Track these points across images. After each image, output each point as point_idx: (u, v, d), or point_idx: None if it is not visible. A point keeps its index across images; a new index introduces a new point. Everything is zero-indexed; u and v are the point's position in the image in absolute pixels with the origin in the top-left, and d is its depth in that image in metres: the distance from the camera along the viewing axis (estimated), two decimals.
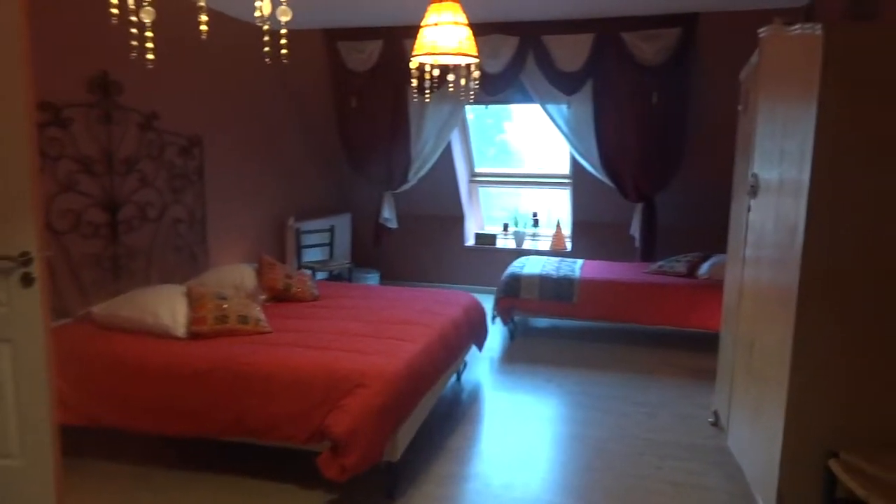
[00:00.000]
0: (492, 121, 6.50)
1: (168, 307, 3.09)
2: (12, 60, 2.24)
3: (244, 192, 5.08)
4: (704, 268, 4.77)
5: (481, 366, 4.37)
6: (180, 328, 3.01)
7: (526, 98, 5.44)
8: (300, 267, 5.50)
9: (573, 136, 5.35)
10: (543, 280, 4.81)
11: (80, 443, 2.86)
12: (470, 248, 6.62)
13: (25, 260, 2.30)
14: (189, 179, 4.35)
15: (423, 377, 2.82)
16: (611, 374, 4.21)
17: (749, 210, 2.71)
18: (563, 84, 5.01)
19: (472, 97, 3.40)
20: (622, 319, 4.73)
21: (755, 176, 2.62)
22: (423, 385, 2.84)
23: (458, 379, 4.01)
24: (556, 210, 6.68)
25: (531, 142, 6.69)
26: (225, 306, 3.15)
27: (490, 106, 5.74)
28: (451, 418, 3.48)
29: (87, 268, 3.53)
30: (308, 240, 5.62)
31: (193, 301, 3.15)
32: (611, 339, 4.95)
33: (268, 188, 5.45)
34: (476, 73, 3.04)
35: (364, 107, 5.52)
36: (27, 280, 2.32)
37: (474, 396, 3.90)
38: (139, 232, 3.91)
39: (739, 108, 3.21)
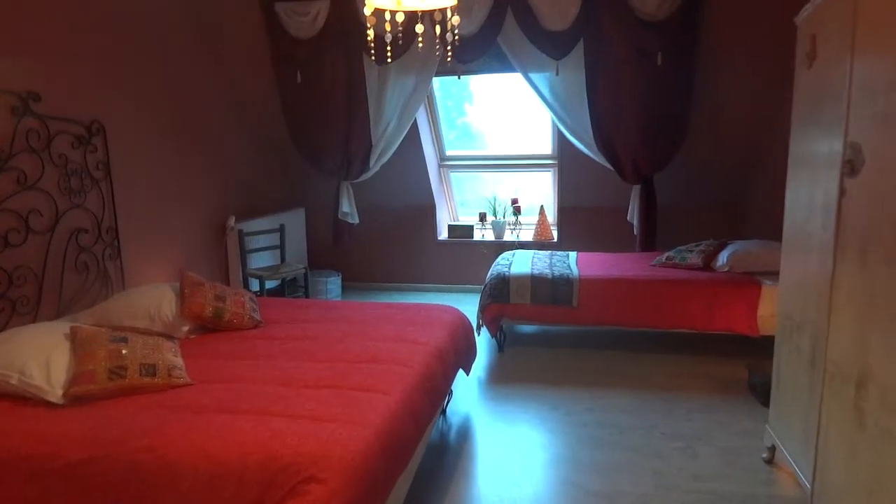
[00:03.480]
0: (451, 102, 5.68)
1: (40, 360, 2.21)
2: None
3: (168, 190, 4.15)
4: (723, 258, 4.06)
5: (468, 390, 3.59)
6: (57, 390, 2.14)
7: (504, 66, 4.63)
8: (246, 276, 4.62)
9: (561, 110, 4.57)
10: (536, 281, 4.04)
11: None
12: (443, 242, 5.82)
13: None
14: (91, 177, 3.42)
15: (401, 448, 2.02)
16: (626, 393, 3.48)
17: (843, 193, 1.96)
18: (548, 46, 4.21)
19: (449, 56, 2.56)
20: (632, 324, 4.00)
21: (855, 147, 1.88)
22: (402, 459, 2.04)
23: (444, 413, 3.23)
24: (537, 196, 5.92)
25: (497, 123, 5.91)
26: (124, 352, 2.29)
27: (463, 77, 4.90)
28: (438, 476, 2.69)
29: None
30: (254, 243, 4.73)
31: (78, 347, 2.27)
32: (616, 346, 4.22)
33: (199, 184, 4.52)
34: (456, 20, 2.21)
35: (312, 81, 4.62)
36: None
37: (464, 436, 3.12)
38: (20, 249, 2.99)
39: (796, 61, 2.46)
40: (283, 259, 4.91)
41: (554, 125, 5.10)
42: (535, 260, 4.46)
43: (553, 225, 5.70)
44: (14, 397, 2.15)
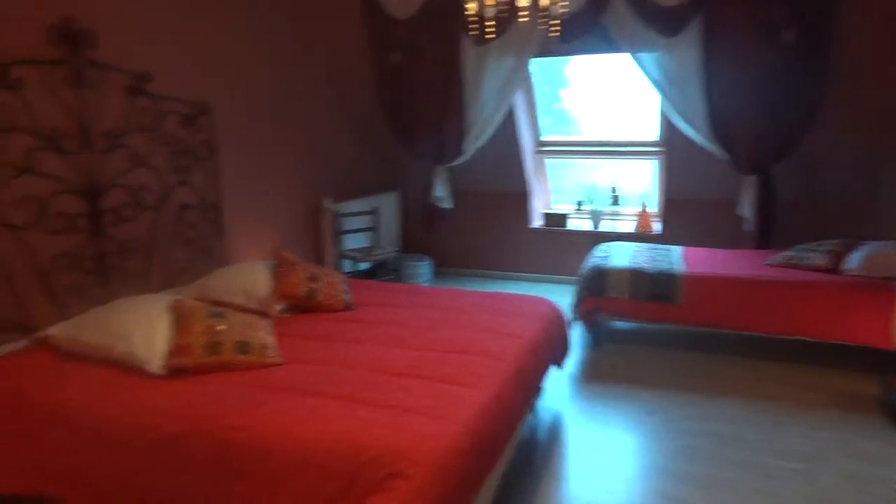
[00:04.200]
0: (547, 87, 5.44)
1: (144, 330, 2.27)
2: None
3: (269, 169, 4.24)
4: (854, 260, 3.63)
5: (560, 386, 3.43)
6: (157, 361, 2.20)
7: (609, 46, 4.36)
8: (339, 257, 4.66)
9: (672, 92, 4.25)
10: (636, 275, 3.79)
11: None
12: (537, 230, 5.63)
13: None
14: (197, 156, 3.53)
15: (491, 447, 1.91)
16: (733, 402, 3.20)
17: None
18: (661, 23, 3.91)
19: (555, 31, 2.38)
20: (741, 327, 3.67)
21: None
22: (492, 458, 1.93)
23: (533, 409, 3.09)
24: (638, 185, 5.59)
25: (594, 108, 5.61)
26: (220, 328, 2.32)
27: (560, 61, 4.67)
28: (527, 475, 2.57)
29: (60, 271, 2.76)
30: (348, 224, 4.77)
31: (178, 320, 2.33)
32: (723, 349, 3.90)
33: (296, 165, 4.59)
34: None
35: (408, 62, 4.56)
36: None
37: (554, 434, 2.97)
38: (133, 224, 3.12)
39: None
40: (376, 241, 4.92)
41: (661, 110, 4.77)
42: (636, 253, 4.20)
43: (655, 216, 5.36)
44: (118, 366, 2.23)
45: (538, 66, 5.06)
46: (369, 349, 2.42)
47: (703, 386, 3.39)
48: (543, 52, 4.54)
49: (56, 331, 2.36)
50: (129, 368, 2.21)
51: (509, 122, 4.99)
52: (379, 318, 2.83)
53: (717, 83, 4.04)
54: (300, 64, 4.56)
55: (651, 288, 3.74)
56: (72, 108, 2.78)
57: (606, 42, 4.32)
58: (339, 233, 4.68)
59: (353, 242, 4.85)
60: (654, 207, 5.39)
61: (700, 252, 4.33)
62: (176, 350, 2.20)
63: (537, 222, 5.69)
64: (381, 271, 5.13)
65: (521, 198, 5.59)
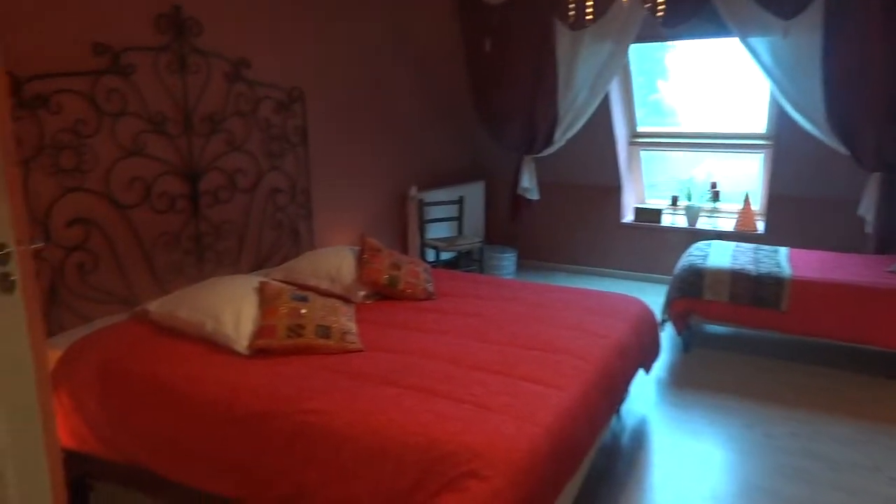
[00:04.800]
0: (643, 78, 5.15)
1: (233, 310, 2.34)
2: None
3: (357, 156, 4.29)
4: None
5: (646, 391, 3.25)
6: (243, 341, 2.25)
7: (717, 30, 4.06)
8: (423, 245, 4.66)
9: (786, 80, 3.90)
10: (737, 277, 3.52)
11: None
12: (628, 225, 5.39)
13: (2, 256, 1.61)
14: (289, 141, 3.61)
15: (573, 452, 1.81)
16: (844, 422, 2.90)
17: None
18: (778, 4, 3.59)
19: (660, 12, 2.21)
20: (856, 339, 3.33)
21: None
22: (573, 464, 1.83)
23: (618, 413, 2.94)
24: (740, 180, 5.21)
25: (694, 99, 5.27)
26: (303, 311, 2.34)
27: (659, 49, 4.39)
28: (608, 482, 2.44)
29: (161, 249, 2.91)
30: (433, 213, 4.75)
31: (264, 302, 2.38)
32: (833, 363, 3.56)
33: (385, 152, 4.62)
34: None
35: (500, 50, 4.45)
36: (6, 284, 1.63)
37: (639, 441, 2.82)
38: (228, 205, 3.24)
39: None
40: (460, 231, 4.88)
41: (772, 100, 4.41)
42: (737, 253, 3.91)
43: (759, 214, 4.99)
44: (208, 343, 2.30)
45: (635, 55, 4.82)
46: (448, 341, 2.37)
47: (811, 402, 3.10)
48: (643, 38, 4.30)
49: (154, 306, 2.47)
50: (218, 345, 2.27)
51: (603, 112, 4.79)
52: (460, 310, 2.77)
53: (840, 70, 3.67)
54: (391, 51, 4.57)
55: (754, 291, 3.46)
56: (176, 94, 2.91)
57: (714, 26, 4.02)
58: (424, 221, 4.67)
59: (437, 231, 4.83)
60: (757, 205, 5.01)
61: (809, 255, 3.98)
62: (260, 331, 2.25)
63: (629, 217, 5.45)
64: (465, 262, 5.09)
65: (612, 191, 5.37)
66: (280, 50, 3.51)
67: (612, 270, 5.46)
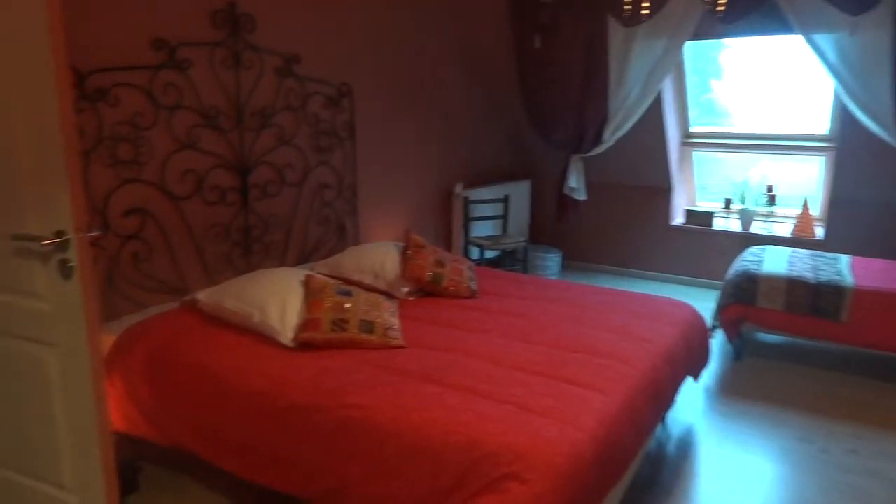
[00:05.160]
0: (696, 77, 4.98)
1: (278, 302, 2.36)
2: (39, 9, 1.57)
3: (402, 153, 4.30)
4: None
5: (694, 399, 3.15)
6: (288, 333, 2.27)
7: (776, 27, 3.90)
8: (467, 243, 4.64)
9: (852, 79, 3.72)
10: (794, 284, 3.38)
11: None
12: (678, 228, 5.24)
13: (62, 243, 1.67)
14: (337, 137, 3.64)
15: (617, 459, 1.76)
16: None
17: None
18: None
19: (722, 7, 2.13)
20: None
21: None
22: (617, 471, 1.78)
23: (663, 421, 2.86)
24: (799, 184, 5.00)
25: (749, 99, 5.07)
26: (347, 306, 2.36)
27: (714, 48, 4.24)
28: (653, 493, 2.37)
29: (211, 240, 2.98)
30: (478, 211, 4.72)
31: (309, 295, 2.40)
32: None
33: (431, 149, 4.61)
34: None
35: (551, 46, 4.38)
36: (66, 270, 1.68)
37: (686, 451, 2.73)
38: (276, 199, 3.29)
39: None
40: (504, 230, 4.84)
41: (836, 100, 4.21)
42: (794, 259, 3.75)
43: (818, 220, 4.78)
44: (254, 333, 2.34)
45: (688, 53, 4.67)
46: (491, 340, 2.34)
47: (872, 418, 2.95)
48: (699, 35, 4.17)
49: (203, 296, 2.52)
50: (264, 337, 2.31)
51: (655, 112, 4.67)
52: (503, 309, 2.74)
53: None
54: (440, 48, 4.56)
55: (812, 300, 3.31)
56: (229, 88, 2.96)
57: (774, 22, 3.87)
58: (469, 219, 4.65)
59: (481, 230, 4.80)
60: (816, 210, 4.80)
61: (872, 263, 3.78)
62: (305, 324, 2.27)
63: (678, 220, 5.30)
64: (508, 261, 5.04)
65: (662, 192, 5.23)
66: (330, 46, 3.54)
67: (659, 274, 5.33)
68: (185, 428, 2.11)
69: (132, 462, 2.32)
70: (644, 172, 5.17)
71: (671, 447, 2.74)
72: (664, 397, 2.21)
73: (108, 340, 2.31)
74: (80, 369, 1.77)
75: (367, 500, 1.71)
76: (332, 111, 3.57)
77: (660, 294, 3.30)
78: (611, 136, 4.65)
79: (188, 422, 2.09)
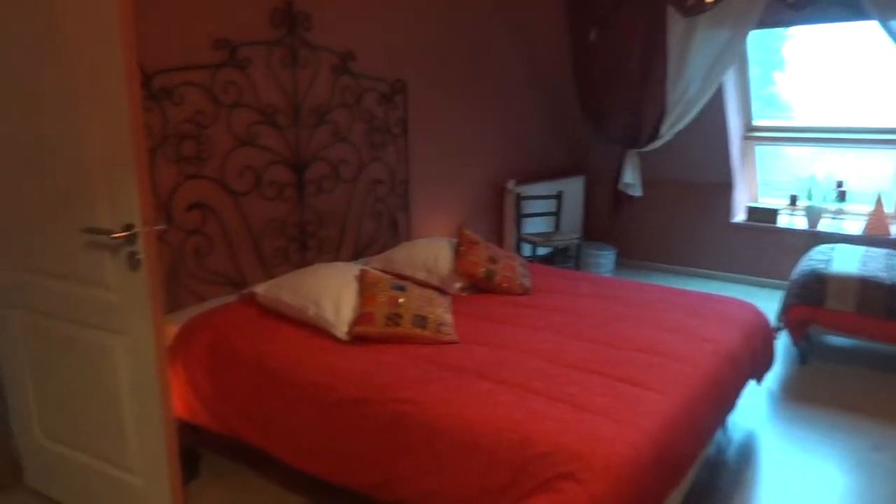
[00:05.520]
0: (758, 69, 4.76)
1: (333, 296, 2.40)
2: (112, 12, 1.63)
3: (455, 148, 4.29)
4: None
5: (756, 403, 3.03)
6: (343, 326, 2.30)
7: (849, 12, 3.70)
8: (519, 240, 4.60)
9: None
10: (867, 285, 3.20)
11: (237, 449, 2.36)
12: (739, 225, 5.05)
13: (130, 236, 1.73)
14: (391, 133, 3.67)
15: (676, 463, 1.70)
16: None
17: None
18: None
19: None
20: None
21: None
22: (676, 475, 1.72)
23: (723, 425, 2.76)
24: (872, 180, 4.73)
25: (815, 91, 4.81)
26: (401, 301, 2.37)
27: (777, 38, 4.06)
28: (711, 499, 2.29)
29: (269, 235, 3.05)
30: (531, 207, 4.68)
31: (364, 290, 2.42)
32: None
33: (483, 144, 4.59)
34: None
35: (608, 39, 4.29)
36: (133, 262, 1.75)
37: (747, 457, 2.63)
38: (331, 195, 3.34)
39: None
40: (557, 227, 4.78)
41: None
42: (867, 259, 3.56)
43: (893, 217, 4.51)
44: (309, 327, 2.38)
45: (759, 41, 4.49)
46: (544, 337, 2.31)
47: None
48: (764, 23, 4.00)
49: (260, 289, 2.58)
50: (319, 330, 2.34)
51: (715, 105, 4.50)
52: (557, 306, 2.70)
53: None
54: (493, 43, 4.52)
55: (888, 302, 3.13)
56: (286, 86, 3.02)
57: (847, 9, 3.67)
58: (521, 215, 4.61)
59: (534, 226, 4.75)
60: (891, 207, 4.54)
61: None
62: (360, 318, 2.29)
63: (740, 217, 5.11)
64: (561, 258, 4.98)
65: (722, 189, 5.05)
66: (384, 42, 3.56)
67: (718, 273, 5.15)
68: (241, 417, 2.16)
69: (193, 449, 2.40)
70: (703, 168, 5.00)
71: (732, 453, 2.64)
72: (726, 400, 2.13)
73: (171, 331, 2.39)
74: (146, 358, 1.84)
75: (417, 495, 1.71)
76: (386, 107, 3.60)
77: (719, 293, 3.18)
78: (668, 131, 4.52)
79: (244, 411, 2.15)
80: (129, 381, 1.91)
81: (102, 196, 1.77)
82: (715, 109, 4.54)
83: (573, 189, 5.32)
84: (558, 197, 4.71)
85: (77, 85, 1.73)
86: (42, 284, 2.01)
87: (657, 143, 4.63)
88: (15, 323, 2.13)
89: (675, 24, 4.10)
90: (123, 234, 1.71)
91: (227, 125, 2.79)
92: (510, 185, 4.68)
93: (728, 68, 4.21)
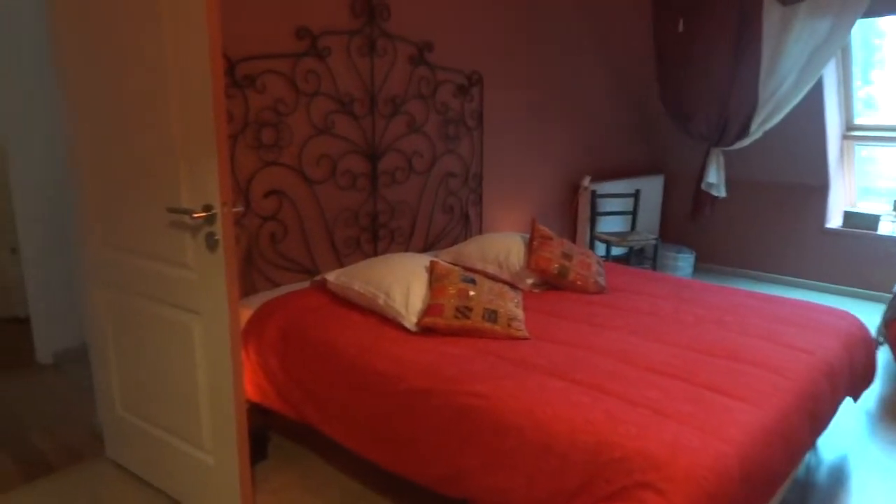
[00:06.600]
0: (856, 67, 4.37)
1: (403, 286, 2.37)
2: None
3: (529, 143, 4.20)
4: None
5: (852, 423, 2.79)
6: (412, 317, 2.27)
7: None
8: (593, 239, 4.46)
9: None
10: None
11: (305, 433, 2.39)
12: (834, 231, 4.70)
13: (209, 216, 1.76)
14: (465, 125, 3.62)
15: (766, 480, 1.56)
16: None
17: None
18: None
19: None
20: None
21: None
22: (765, 493, 1.58)
23: (813, 446, 2.55)
24: None
25: None
26: (471, 294, 2.31)
27: (878, 35, 3.75)
28: None
29: (342, 224, 3.06)
30: (606, 205, 4.52)
31: (434, 281, 2.38)
32: None
33: (558, 139, 4.47)
34: None
35: (695, 30, 4.08)
36: (211, 242, 1.78)
37: (838, 482, 2.41)
38: (403, 186, 3.33)
39: None
40: (633, 226, 4.60)
41: None
42: None
43: None
44: (379, 316, 2.36)
45: (864, 31, 4.16)
46: (620, 338, 2.20)
47: None
48: (872, 12, 3.68)
49: (332, 276, 2.59)
50: (388, 319, 2.33)
51: (812, 101, 4.20)
52: (634, 307, 2.57)
53: None
54: (573, 34, 4.40)
55: None
56: (364, 75, 3.02)
57: None
58: (596, 214, 4.46)
59: (608, 225, 4.60)
60: None
61: None
62: (429, 309, 2.25)
63: (835, 222, 4.75)
64: (636, 259, 4.79)
65: (815, 191, 4.72)
66: (461, 33, 3.51)
67: (808, 281, 4.82)
68: (309, 402, 2.17)
69: (262, 432, 2.44)
70: (795, 168, 4.68)
71: (822, 475, 2.44)
72: (821, 417, 1.95)
73: (245, 314, 2.44)
74: (221, 337, 1.87)
75: (484, 491, 1.66)
76: (461, 99, 3.55)
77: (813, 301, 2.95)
78: (759, 128, 4.26)
79: (313, 396, 2.15)
80: (204, 360, 1.94)
81: (186, 177, 1.81)
82: (812, 106, 4.24)
83: (650, 188, 5.11)
84: (635, 196, 4.53)
85: (166, 69, 1.77)
86: (127, 262, 2.08)
87: (745, 142, 4.36)
88: (101, 298, 2.22)
89: (772, 12, 3.84)
90: (203, 213, 1.74)
91: (305, 113, 2.82)
92: (585, 181, 4.54)
93: (828, 62, 3.91)
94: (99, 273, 2.20)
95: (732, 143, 4.42)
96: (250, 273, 2.71)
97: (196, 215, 1.74)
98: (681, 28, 4.09)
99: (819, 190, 4.70)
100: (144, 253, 2.01)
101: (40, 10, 2.75)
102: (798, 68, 3.94)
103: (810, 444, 1.95)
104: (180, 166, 1.81)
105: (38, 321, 3.29)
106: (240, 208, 1.96)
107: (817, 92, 4.17)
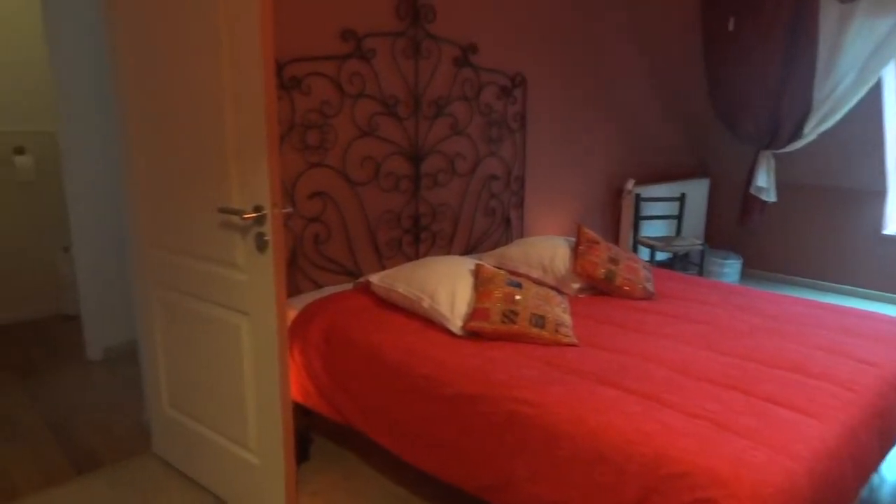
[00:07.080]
0: None
1: (448, 289, 2.34)
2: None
3: (572, 145, 4.13)
4: None
5: None
6: (457, 321, 2.24)
7: None
8: (637, 243, 4.36)
9: None
10: None
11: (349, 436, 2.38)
12: (892, 238, 4.50)
13: (259, 217, 1.76)
14: (508, 128, 3.58)
15: (835, 500, 1.48)
16: None
17: None
18: None
19: None
20: None
21: None
22: None
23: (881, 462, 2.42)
24: None
25: None
26: (517, 298, 2.27)
27: None
28: None
29: (384, 226, 3.06)
30: (650, 209, 4.42)
31: (479, 284, 2.35)
32: None
33: (602, 142, 4.39)
34: None
35: (746, 28, 3.96)
36: (261, 243, 1.78)
37: None
38: (445, 188, 3.31)
39: None
40: (678, 231, 4.48)
41: None
42: None
43: None
44: (423, 319, 2.34)
45: None
46: (672, 346, 2.12)
47: None
48: None
49: (375, 278, 2.58)
50: (433, 323, 2.30)
51: (870, 102, 4.03)
52: (684, 314, 2.49)
53: None
54: (618, 35, 4.31)
55: None
56: (408, 77, 3.01)
57: None
58: (639, 218, 4.36)
59: (652, 230, 4.49)
60: None
61: None
62: (475, 313, 2.22)
63: (893, 228, 4.55)
64: (681, 264, 4.67)
65: (873, 196, 4.52)
66: (505, 35, 3.48)
67: (863, 290, 4.62)
68: (353, 405, 2.15)
69: (305, 433, 2.44)
70: (851, 172, 4.50)
71: (884, 497, 2.31)
72: (891, 434, 1.85)
73: (290, 315, 2.44)
74: (268, 338, 1.87)
75: (535, 501, 1.61)
76: (505, 102, 3.51)
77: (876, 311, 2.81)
78: (813, 130, 4.11)
79: (356, 399, 2.14)
80: (251, 360, 1.95)
81: (236, 178, 1.81)
82: (870, 107, 4.07)
83: (696, 192, 4.98)
84: (681, 200, 4.41)
85: (220, 70, 1.78)
86: (177, 262, 2.10)
87: (798, 144, 4.22)
88: (151, 297, 2.25)
89: (828, 11, 3.70)
90: (253, 214, 1.75)
91: (350, 115, 2.82)
92: (629, 185, 4.45)
93: (889, 62, 3.75)
94: (150, 272, 2.23)
95: (785, 146, 4.28)
96: (294, 274, 2.72)
97: (246, 216, 1.75)
98: (731, 27, 3.98)
99: (876, 194, 4.51)
100: (195, 253, 2.03)
101: (98, 11, 2.81)
102: (856, 68, 3.78)
103: (879, 461, 1.84)
104: (231, 168, 1.82)
105: (88, 318, 3.37)
106: (289, 209, 1.96)
107: (876, 93, 4.00)
